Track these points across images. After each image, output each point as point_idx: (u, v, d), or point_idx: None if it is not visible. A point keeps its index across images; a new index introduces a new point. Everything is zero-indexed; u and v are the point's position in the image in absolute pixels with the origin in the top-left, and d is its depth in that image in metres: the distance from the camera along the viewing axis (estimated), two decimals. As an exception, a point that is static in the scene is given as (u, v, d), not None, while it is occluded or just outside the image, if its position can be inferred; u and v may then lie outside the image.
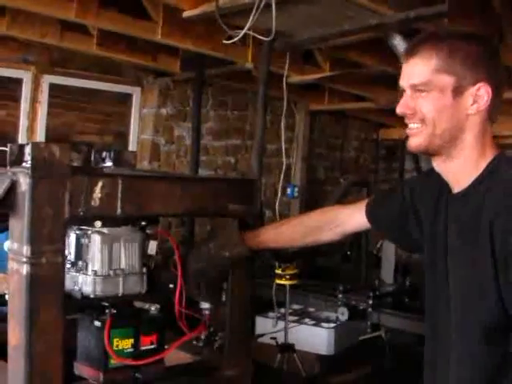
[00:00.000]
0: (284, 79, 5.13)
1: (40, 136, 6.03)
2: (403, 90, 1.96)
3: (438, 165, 1.99)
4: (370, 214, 2.39)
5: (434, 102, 1.88)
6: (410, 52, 1.94)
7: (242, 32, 4.04)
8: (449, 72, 1.86)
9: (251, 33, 4.30)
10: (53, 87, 6.13)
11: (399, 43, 4.41)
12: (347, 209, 2.50)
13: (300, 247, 2.65)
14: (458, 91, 1.86)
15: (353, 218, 2.44)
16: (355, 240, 5.91)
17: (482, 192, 1.86)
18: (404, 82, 1.95)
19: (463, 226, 1.91)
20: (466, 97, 1.87)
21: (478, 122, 1.89)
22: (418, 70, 1.91)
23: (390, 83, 6.28)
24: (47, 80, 6.08)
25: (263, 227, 2.66)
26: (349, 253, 6.43)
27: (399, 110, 1.95)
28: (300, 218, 2.72)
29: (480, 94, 1.86)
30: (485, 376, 1.87)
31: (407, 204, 2.24)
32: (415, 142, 1.94)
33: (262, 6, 3.82)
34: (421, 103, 1.91)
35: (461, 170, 1.93)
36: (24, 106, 6.00)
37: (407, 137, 1.99)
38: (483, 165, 1.90)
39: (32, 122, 6.04)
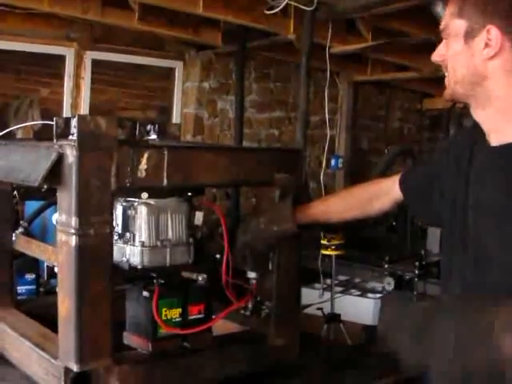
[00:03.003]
0: (327, 50, 5.10)
1: (84, 112, 6.06)
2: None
3: (474, 114, 1.95)
4: (401, 185, 2.38)
5: (450, 48, 1.89)
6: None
7: (284, 2, 4.02)
8: (461, 16, 1.85)
9: (293, 3, 4.28)
10: (95, 63, 6.17)
11: (442, 10, 4.35)
12: (390, 179, 2.49)
13: (349, 220, 2.62)
14: (469, 35, 1.84)
15: (396, 185, 2.42)
16: (400, 210, 5.87)
17: None
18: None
19: (509, 178, 1.82)
20: (478, 41, 1.83)
21: (501, 68, 1.84)
22: (444, 17, 1.94)
23: (434, 51, 6.22)
24: (90, 56, 6.11)
25: (313, 201, 2.66)
26: (394, 223, 6.39)
27: (432, 57, 1.98)
28: (348, 190, 2.72)
29: (491, 38, 1.81)
30: None
31: (434, 169, 2.20)
32: (446, 92, 1.95)
33: (303, -25, 3.80)
34: (444, 50, 1.92)
35: (497, 119, 1.87)
36: (67, 82, 6.04)
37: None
38: None
39: (75, 99, 6.08)
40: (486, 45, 1.82)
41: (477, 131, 1.97)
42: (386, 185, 2.49)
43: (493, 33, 1.81)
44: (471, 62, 1.85)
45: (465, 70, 1.86)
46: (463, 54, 1.86)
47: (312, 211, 2.54)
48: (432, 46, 5.90)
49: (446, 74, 1.93)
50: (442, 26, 1.92)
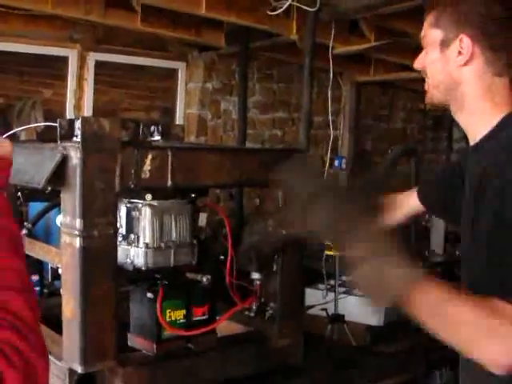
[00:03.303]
0: (330, 50, 5.09)
1: (87, 113, 6.07)
2: None
3: (455, 117, 2.05)
4: (421, 198, 2.45)
5: (428, 56, 2.00)
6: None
7: (287, 3, 4.02)
8: (437, 26, 1.97)
9: (295, 3, 4.27)
10: (98, 64, 6.16)
11: (446, 10, 4.35)
12: (405, 193, 2.56)
13: None
14: (444, 44, 1.95)
15: (410, 199, 2.49)
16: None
17: (491, 147, 1.89)
18: None
19: (470, 179, 1.97)
20: (452, 50, 1.94)
21: (473, 74, 1.94)
22: (424, 26, 2.05)
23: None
24: (93, 57, 6.10)
25: None
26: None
27: (414, 65, 2.08)
28: None
29: (463, 46, 1.92)
30: None
31: (456, 176, 2.24)
32: (426, 96, 2.07)
33: (306, -25, 3.80)
34: (422, 58, 2.04)
35: (472, 123, 1.99)
36: (70, 84, 6.03)
37: None
38: (496, 120, 1.93)
39: (79, 100, 6.08)
40: (459, 53, 1.93)
41: None
42: (398, 199, 2.54)
43: (465, 41, 1.92)
44: (446, 69, 1.97)
45: (441, 77, 1.98)
46: (439, 61, 1.98)
47: None
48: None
49: (426, 80, 2.04)
50: (421, 35, 2.04)
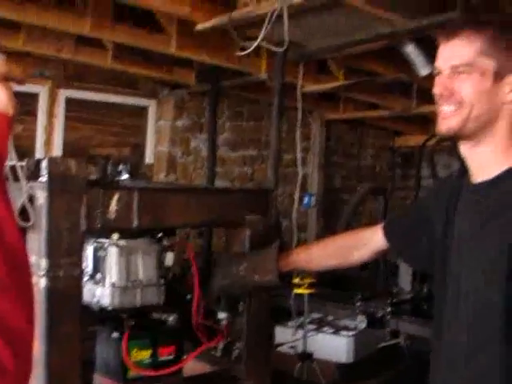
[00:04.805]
0: (298, 89, 5.14)
1: (57, 150, 6.07)
2: (439, 72, 1.95)
3: (465, 150, 1.97)
4: (386, 234, 2.41)
5: (474, 85, 1.87)
6: (451, 34, 1.93)
7: (255, 44, 4.06)
8: (492, 56, 1.86)
9: (264, 44, 4.32)
10: (69, 101, 6.18)
11: (412, 50, 4.42)
12: (371, 228, 2.52)
13: (330, 268, 2.65)
14: (498, 76, 1.86)
15: (376, 235, 2.45)
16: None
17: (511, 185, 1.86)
18: (442, 63, 1.94)
19: (483, 215, 1.90)
20: (504, 84, 1.86)
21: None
22: (460, 51, 1.90)
23: (404, 90, 6.30)
24: (63, 94, 6.13)
25: (295, 248, 2.71)
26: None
27: (437, 89, 1.94)
28: (330, 238, 2.73)
29: None
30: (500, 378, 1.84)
31: (422, 216, 2.25)
32: (448, 125, 1.93)
33: (274, 17, 3.84)
34: (460, 85, 1.89)
35: (488, 158, 1.92)
36: (41, 120, 6.04)
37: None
38: None
39: (49, 137, 6.07)
40: (511, 90, 1.87)
41: (463, 174, 2.03)
42: (366, 235, 2.52)
43: None
44: (493, 102, 1.88)
45: (485, 108, 1.88)
46: (488, 93, 1.87)
47: (294, 259, 2.55)
48: (402, 85, 5.98)
49: (450, 108, 1.92)
50: (458, 61, 1.90)
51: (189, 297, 2.52)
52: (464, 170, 2.02)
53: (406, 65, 4.76)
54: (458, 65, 1.90)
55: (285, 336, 5.20)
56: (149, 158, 6.69)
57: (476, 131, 1.90)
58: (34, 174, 2.18)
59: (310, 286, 4.61)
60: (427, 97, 4.69)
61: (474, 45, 1.87)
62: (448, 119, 1.92)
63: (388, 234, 2.40)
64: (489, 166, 1.92)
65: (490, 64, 1.86)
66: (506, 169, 1.89)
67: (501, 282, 1.78)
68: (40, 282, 2.01)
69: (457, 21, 1.99)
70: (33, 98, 6.00)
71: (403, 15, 4.01)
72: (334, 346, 5.28)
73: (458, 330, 1.93)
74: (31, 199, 2.04)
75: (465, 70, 1.88)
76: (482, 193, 1.93)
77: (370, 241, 2.48)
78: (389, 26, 4.15)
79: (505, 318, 1.78)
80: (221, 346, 2.62)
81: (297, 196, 5.95)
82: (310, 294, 4.70)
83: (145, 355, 2.32)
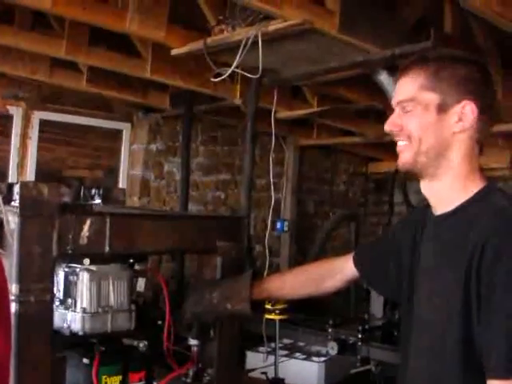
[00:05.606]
0: (272, 115, 5.17)
1: (30, 171, 6.04)
2: (393, 109, 2.00)
3: (425, 186, 2.00)
4: (356, 263, 2.44)
5: (418, 119, 1.91)
6: (402, 72, 1.99)
7: (230, 70, 4.09)
8: (433, 89, 1.90)
9: (239, 70, 4.35)
10: (43, 123, 6.16)
11: (385, 79, 4.46)
12: (343, 256, 2.54)
13: (303, 297, 2.67)
14: (442, 108, 1.89)
15: (348, 264, 2.48)
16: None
17: (470, 215, 1.87)
18: (393, 99, 2.00)
19: (443, 245, 1.93)
20: (450, 114, 1.89)
21: (465, 141, 1.91)
22: (405, 87, 1.96)
23: (378, 117, 6.34)
24: (38, 116, 6.10)
25: (268, 276, 2.72)
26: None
27: (386, 126, 1.99)
28: (303, 267, 2.75)
29: (465, 112, 1.88)
30: None
31: (391, 246, 2.28)
32: (402, 159, 1.97)
33: (249, 44, 3.87)
34: (407, 120, 1.94)
35: (447, 190, 1.94)
36: (14, 141, 6.01)
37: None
38: (473, 189, 1.91)
39: (22, 158, 6.04)
40: (460, 119, 1.89)
41: (429, 204, 2.04)
42: (338, 264, 2.55)
43: (467, 108, 1.88)
44: (440, 134, 1.90)
45: (433, 141, 1.91)
46: (434, 126, 1.90)
47: (267, 286, 2.57)
48: (375, 112, 6.02)
49: (403, 143, 1.96)
50: (403, 97, 1.95)
51: (160, 322, 2.52)
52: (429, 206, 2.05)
53: (379, 92, 4.80)
54: (403, 100, 1.95)
55: (256, 361, 5.18)
56: (122, 182, 6.69)
57: (429, 164, 1.93)
58: (6, 199, 2.19)
59: (282, 311, 4.61)
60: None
61: (418, 80, 1.92)
62: (402, 153, 1.97)
63: (358, 263, 2.44)
64: (447, 199, 1.95)
65: (432, 97, 1.90)
66: (466, 200, 1.91)
67: (458, 311, 1.79)
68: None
69: (410, 58, 2.02)
70: (7, 119, 5.97)
71: (377, 44, 4.05)
72: (305, 371, 5.27)
73: (421, 358, 1.96)
74: (2, 224, 2.04)
75: (409, 105, 1.93)
76: (442, 224, 1.96)
77: (342, 269, 2.50)
78: (363, 54, 4.19)
79: (462, 346, 1.79)
80: (191, 372, 2.62)
81: (270, 221, 5.97)
82: (282, 320, 4.70)
83: (115, 381, 2.32)
